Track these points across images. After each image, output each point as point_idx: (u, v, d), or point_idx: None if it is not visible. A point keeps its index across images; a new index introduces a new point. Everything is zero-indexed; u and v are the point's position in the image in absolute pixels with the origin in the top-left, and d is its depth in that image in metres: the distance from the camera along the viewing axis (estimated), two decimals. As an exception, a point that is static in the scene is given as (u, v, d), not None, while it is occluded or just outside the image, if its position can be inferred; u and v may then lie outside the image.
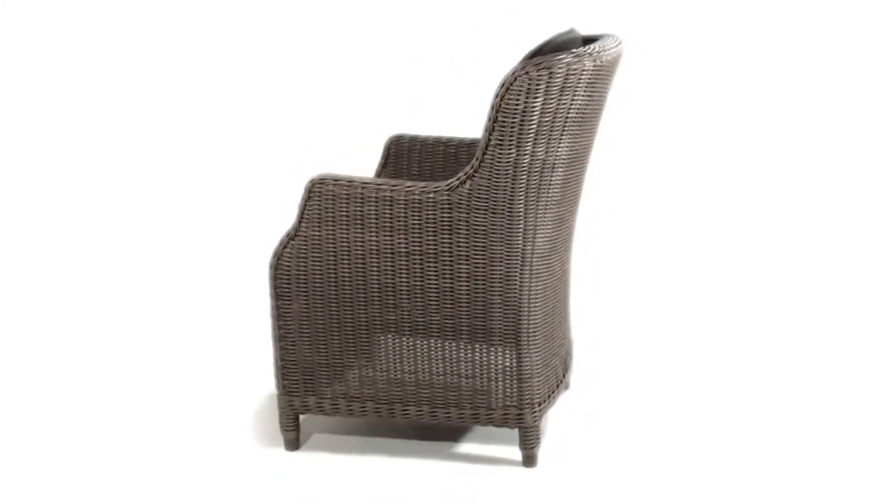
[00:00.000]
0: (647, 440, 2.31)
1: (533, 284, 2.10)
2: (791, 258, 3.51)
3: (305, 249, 2.15)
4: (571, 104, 2.00)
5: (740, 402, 2.50)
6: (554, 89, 1.94)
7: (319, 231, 2.13)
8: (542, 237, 2.09)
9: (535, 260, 2.09)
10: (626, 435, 2.34)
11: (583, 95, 2.03)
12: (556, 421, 2.41)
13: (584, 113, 2.08)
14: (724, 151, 3.96)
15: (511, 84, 1.94)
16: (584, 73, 1.98)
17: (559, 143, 2.02)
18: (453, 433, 2.35)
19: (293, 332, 2.19)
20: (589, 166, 2.37)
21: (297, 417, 2.26)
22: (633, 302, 3.24)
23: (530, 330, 2.11)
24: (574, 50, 1.99)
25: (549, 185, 2.05)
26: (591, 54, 1.99)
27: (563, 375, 2.35)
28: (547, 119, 1.97)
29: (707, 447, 2.27)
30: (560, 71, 1.93)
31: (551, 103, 1.96)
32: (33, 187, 3.84)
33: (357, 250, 2.12)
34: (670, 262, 3.56)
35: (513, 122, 1.96)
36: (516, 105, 1.95)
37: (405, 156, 2.54)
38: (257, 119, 3.87)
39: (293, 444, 2.29)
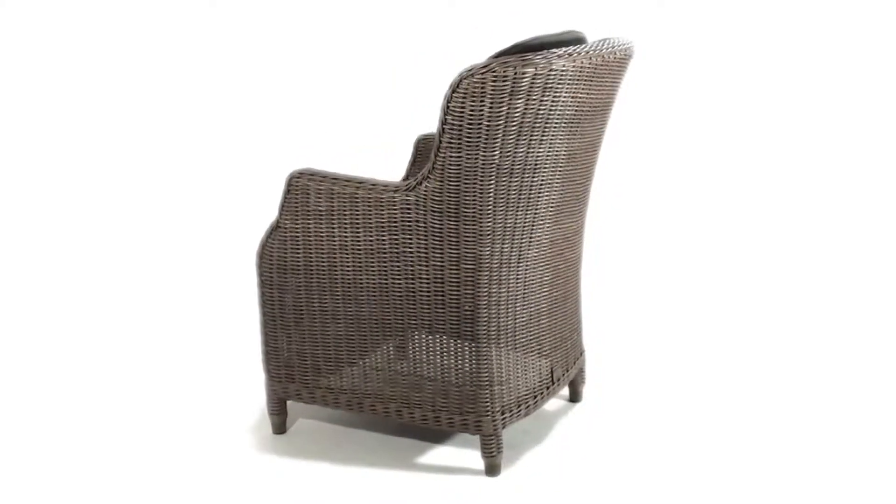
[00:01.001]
0: (635, 465, 2.22)
1: (497, 291, 2.06)
2: (803, 262, 3.54)
3: (285, 241, 2.21)
4: (540, 107, 1.94)
5: (749, 422, 2.36)
6: (502, 93, 1.89)
7: (297, 224, 2.19)
8: (508, 243, 2.05)
9: (498, 266, 2.04)
10: (611, 458, 2.25)
11: (561, 98, 1.96)
12: (544, 432, 2.36)
13: (567, 116, 2.02)
14: (737, 157, 3.99)
15: (456, 86, 1.91)
16: (553, 75, 1.92)
17: (528, 146, 1.97)
18: (437, 433, 2.35)
19: (277, 320, 2.27)
20: (595, 171, 2.29)
21: (284, 403, 2.33)
22: (649, 314, 3.16)
23: (492, 337, 2.07)
24: (539, 53, 1.93)
25: (516, 189, 2.00)
26: (560, 57, 1.93)
27: (555, 384, 2.29)
28: (498, 123, 1.92)
29: (699, 481, 2.15)
30: (507, 74, 1.88)
31: (500, 107, 1.91)
32: (27, 184, 3.96)
33: (328, 245, 2.16)
34: (689, 273, 3.52)
35: (460, 125, 1.93)
36: (462, 108, 1.91)
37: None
38: (290, 117, 4.01)
39: (279, 427, 2.36)
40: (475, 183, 1.97)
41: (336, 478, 2.16)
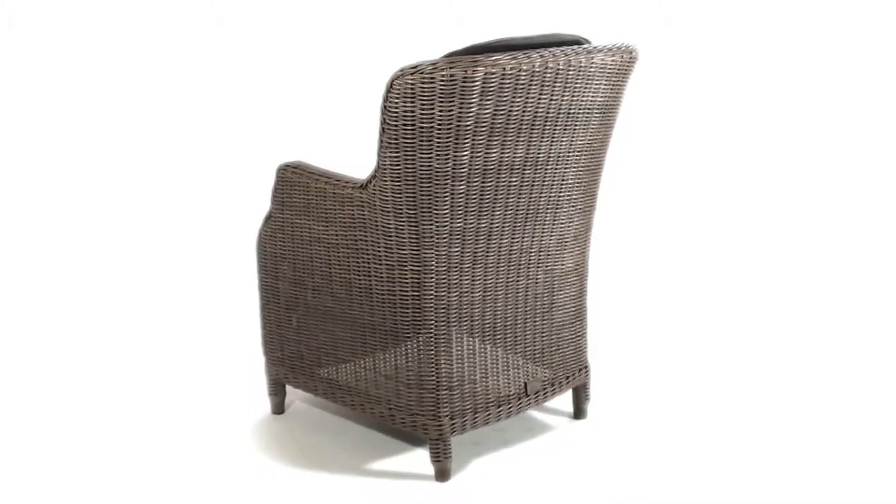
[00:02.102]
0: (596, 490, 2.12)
1: (445, 295, 2.03)
2: (803, 264, 3.56)
3: (275, 230, 2.30)
4: (480, 110, 1.89)
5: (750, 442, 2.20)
6: (430, 95, 1.86)
7: (283, 214, 2.27)
8: (457, 247, 2.01)
9: (447, 270, 2.02)
10: (578, 478, 2.16)
11: (510, 102, 1.91)
12: (521, 442, 2.31)
13: (524, 121, 1.96)
14: (737, 158, 3.99)
15: (390, 86, 1.91)
16: (491, 78, 1.87)
17: (471, 150, 1.93)
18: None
19: (271, 305, 2.36)
20: (597, 182, 2.20)
21: (282, 385, 2.43)
22: (662, 329, 3.04)
23: (441, 341, 2.04)
24: (479, 55, 1.89)
25: (462, 193, 1.96)
26: (502, 60, 1.87)
27: (532, 397, 2.22)
28: (430, 125, 1.89)
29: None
30: (434, 76, 1.85)
31: (430, 109, 1.88)
32: (25, 184, 3.97)
33: (307, 237, 2.22)
34: (699, 284, 3.46)
35: (396, 126, 1.92)
36: (396, 108, 1.90)
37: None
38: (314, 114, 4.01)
39: (277, 407, 2.46)
40: (415, 185, 1.95)
41: (292, 464, 2.23)
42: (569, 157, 2.12)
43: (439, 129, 1.90)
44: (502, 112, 1.93)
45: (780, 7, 4.03)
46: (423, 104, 1.88)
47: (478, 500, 2.06)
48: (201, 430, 2.40)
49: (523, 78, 1.92)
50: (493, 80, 1.88)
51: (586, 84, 2.05)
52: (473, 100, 1.89)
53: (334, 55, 4.10)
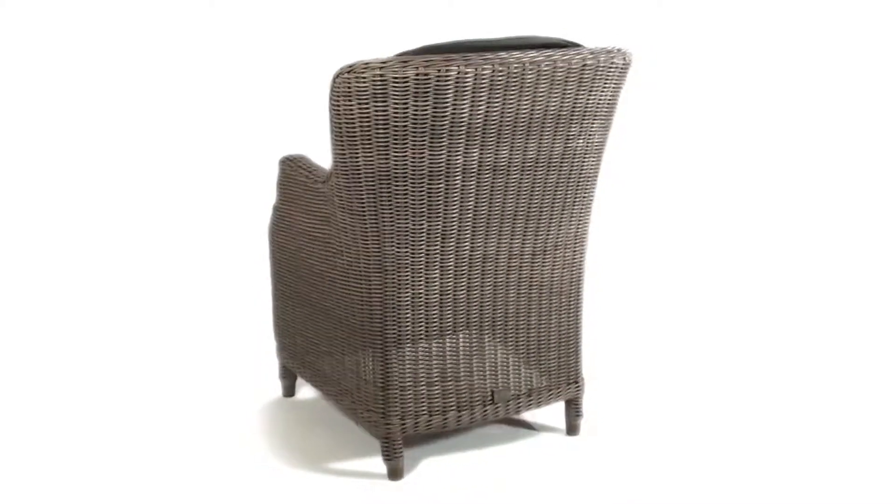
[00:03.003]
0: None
1: (395, 294, 2.03)
2: (801, 274, 3.56)
3: (277, 221, 2.38)
4: (417, 112, 1.88)
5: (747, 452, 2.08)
6: (364, 94, 1.87)
7: (283, 205, 2.34)
8: (407, 248, 2.00)
9: (396, 270, 2.01)
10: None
11: (453, 105, 1.89)
12: (494, 448, 2.28)
13: (473, 125, 1.92)
14: (737, 159, 4.01)
15: (332, 85, 1.93)
16: (422, 80, 1.85)
17: (414, 151, 1.92)
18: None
19: (278, 291, 2.45)
20: (584, 192, 2.13)
21: (291, 369, 2.51)
22: (663, 342, 2.91)
23: (390, 341, 2.04)
24: (415, 56, 1.87)
25: (409, 194, 1.96)
26: (436, 63, 1.85)
27: (499, 406, 2.17)
28: (368, 124, 1.89)
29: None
30: (366, 76, 1.85)
31: (366, 109, 1.88)
32: (25, 183, 3.98)
33: (296, 228, 2.29)
34: (698, 293, 3.43)
35: (339, 124, 1.94)
36: (338, 106, 1.92)
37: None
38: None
39: (287, 390, 2.55)
40: (360, 183, 1.97)
41: (266, 449, 2.31)
42: (542, 162, 2.06)
43: (376, 129, 1.91)
44: (443, 114, 1.91)
45: (779, 7, 4.07)
46: (360, 103, 1.89)
47: (416, 500, 2.05)
48: (209, 412, 2.52)
49: (466, 80, 1.89)
50: (425, 83, 1.87)
51: (536, 91, 1.98)
52: (405, 100, 1.88)
53: (358, 47, 4.09)
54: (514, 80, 1.93)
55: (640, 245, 3.90)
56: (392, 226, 1.99)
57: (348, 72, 1.88)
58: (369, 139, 1.92)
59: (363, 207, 1.99)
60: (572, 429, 2.33)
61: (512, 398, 2.21)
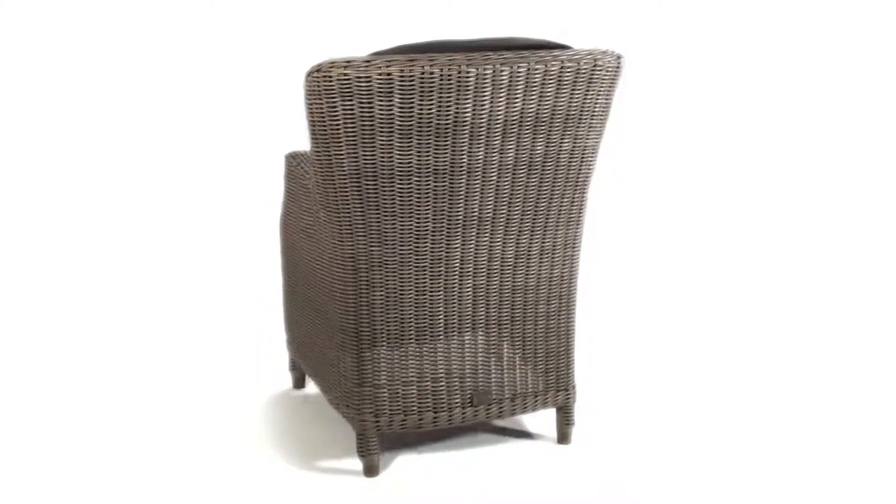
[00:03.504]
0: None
1: (367, 292, 2.04)
2: (791, 274, 3.57)
3: (285, 215, 2.42)
4: (380, 111, 1.88)
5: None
6: (331, 93, 1.88)
7: (288, 201, 2.38)
8: (378, 246, 2.01)
9: (367, 269, 2.02)
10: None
11: (418, 105, 1.88)
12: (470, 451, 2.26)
13: (439, 125, 1.91)
14: (738, 160, 4.00)
15: (305, 83, 1.94)
16: (384, 80, 1.85)
17: (379, 151, 1.92)
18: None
19: (286, 286, 2.49)
20: (572, 195, 2.09)
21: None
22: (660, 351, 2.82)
23: (363, 338, 2.06)
24: (388, 56, 1.87)
25: (378, 193, 1.96)
26: (396, 63, 1.85)
27: (477, 409, 2.15)
28: (336, 122, 1.90)
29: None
30: (332, 74, 1.86)
31: (334, 107, 1.89)
32: (27, 183, 3.94)
33: (297, 223, 2.32)
34: (696, 298, 3.42)
35: (312, 121, 1.95)
36: (310, 104, 1.94)
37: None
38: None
39: (297, 382, 2.60)
40: (334, 180, 1.98)
41: (255, 440, 2.36)
42: (523, 165, 2.03)
43: (345, 128, 1.92)
44: (409, 114, 1.90)
45: (779, 7, 4.06)
46: (327, 101, 1.91)
47: (384, 498, 2.06)
48: (217, 402, 2.57)
49: (431, 80, 1.88)
50: (390, 81, 1.87)
51: (506, 93, 1.95)
52: (369, 100, 1.88)
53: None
54: (485, 80, 1.91)
55: (637, 249, 3.85)
56: (364, 224, 2.00)
57: (317, 71, 1.90)
58: (339, 137, 1.94)
59: (337, 204, 2.00)
60: (563, 437, 2.29)
61: (494, 402, 2.18)
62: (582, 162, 2.10)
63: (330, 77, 1.89)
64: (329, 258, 2.09)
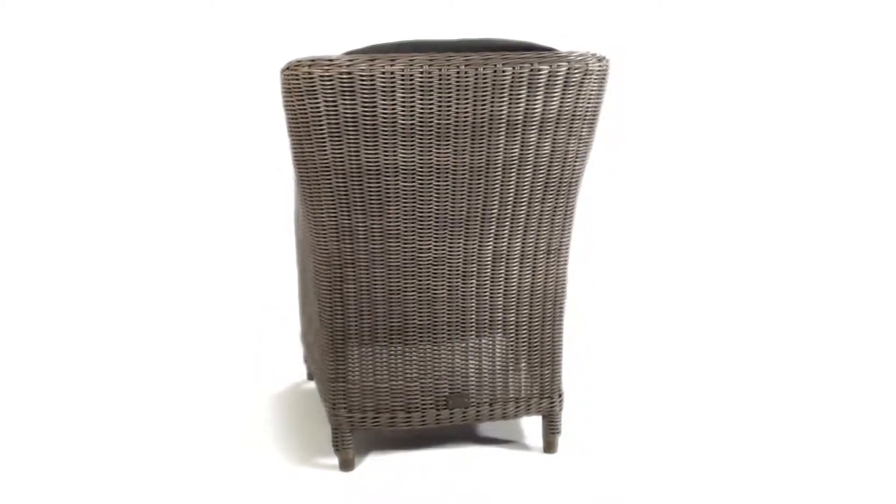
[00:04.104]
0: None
1: (339, 288, 2.06)
2: (783, 278, 3.59)
3: (297, 211, 2.47)
4: (344, 110, 1.90)
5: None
6: (300, 91, 1.90)
7: (297, 196, 2.43)
8: (349, 243, 2.02)
9: (340, 265, 2.04)
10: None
11: (381, 104, 1.89)
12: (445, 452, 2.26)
13: (401, 125, 1.92)
14: (738, 160, 4.00)
15: (280, 81, 1.97)
16: (346, 78, 1.86)
17: (347, 149, 1.94)
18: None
19: (299, 282, 2.54)
20: (548, 199, 2.06)
21: (313, 355, 2.60)
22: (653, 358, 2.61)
23: (336, 333, 2.08)
24: (354, 55, 1.89)
25: (349, 190, 1.98)
26: (360, 62, 1.86)
27: (454, 411, 2.13)
28: (305, 119, 1.93)
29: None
30: (298, 72, 1.89)
31: (302, 105, 1.92)
32: (31, 185, 3.93)
33: (302, 218, 2.36)
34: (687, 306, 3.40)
35: (287, 119, 1.99)
36: (285, 102, 1.97)
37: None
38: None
39: (310, 375, 2.64)
40: (307, 176, 2.01)
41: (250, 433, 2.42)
42: (495, 168, 2.00)
43: (314, 125, 1.95)
44: (371, 113, 1.91)
45: (779, 7, 4.05)
46: (297, 99, 1.94)
47: (353, 493, 2.08)
48: (228, 393, 2.66)
49: (392, 80, 1.88)
50: (351, 80, 1.88)
51: (503, 92, 1.92)
52: (332, 98, 1.90)
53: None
54: (447, 81, 1.90)
55: (632, 254, 3.82)
56: (336, 221, 2.02)
57: (287, 69, 1.94)
58: (309, 134, 1.97)
59: (311, 200, 2.03)
60: (548, 446, 2.25)
61: (470, 406, 2.16)
62: (564, 167, 2.06)
63: (297, 75, 1.92)
64: (311, 254, 2.13)
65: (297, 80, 1.92)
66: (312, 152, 1.98)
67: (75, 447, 2.32)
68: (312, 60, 1.90)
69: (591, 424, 2.40)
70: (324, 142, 1.96)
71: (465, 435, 2.35)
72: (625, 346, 2.99)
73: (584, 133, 2.05)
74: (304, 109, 1.94)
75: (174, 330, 3.16)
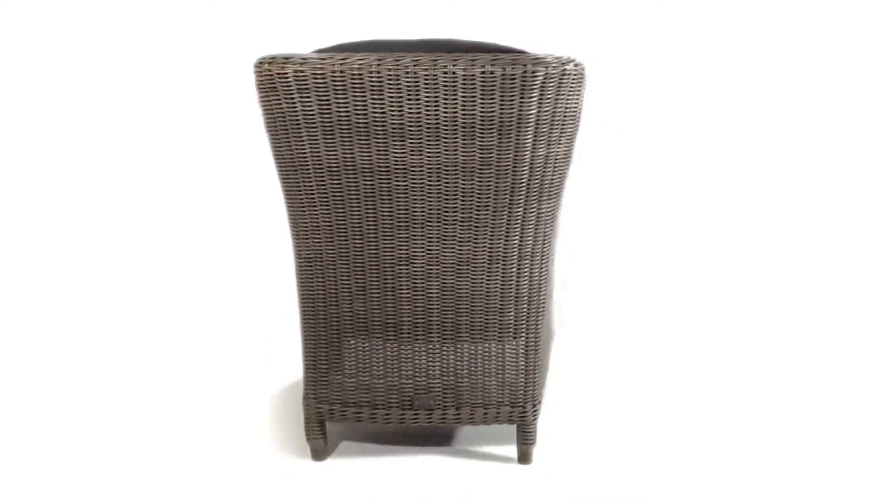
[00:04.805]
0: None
1: (309, 283, 2.10)
2: (780, 264, 3.62)
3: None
4: (304, 108, 1.94)
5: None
6: (265, 88, 1.96)
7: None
8: (319, 241, 2.06)
9: (311, 259, 2.09)
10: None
11: (335, 103, 1.93)
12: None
13: (358, 124, 1.94)
14: (738, 160, 3.96)
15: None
16: (301, 77, 1.91)
17: (309, 146, 1.98)
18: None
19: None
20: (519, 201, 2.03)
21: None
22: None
23: (309, 326, 2.13)
24: (315, 53, 1.93)
25: (315, 188, 2.02)
26: (323, 59, 1.90)
27: (418, 413, 2.13)
28: (272, 116, 1.99)
29: None
30: (262, 69, 1.94)
31: (268, 102, 1.98)
32: (32, 186, 3.83)
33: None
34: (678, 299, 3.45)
35: (264, 114, 2.05)
36: (260, 98, 2.04)
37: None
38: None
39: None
40: (281, 171, 2.07)
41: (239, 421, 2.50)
42: (451, 170, 1.99)
43: (280, 121, 2.01)
44: (327, 111, 1.94)
45: (779, 7, 3.98)
46: (263, 96, 2.01)
47: (309, 481, 2.13)
48: (238, 384, 2.74)
49: (342, 79, 1.91)
50: (304, 78, 1.92)
51: (451, 94, 1.91)
52: (292, 96, 1.96)
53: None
54: (394, 81, 1.91)
55: (621, 256, 3.78)
56: (305, 216, 2.08)
57: (256, 66, 2.01)
58: (276, 130, 2.03)
59: (285, 194, 2.10)
60: (522, 457, 2.20)
61: (436, 409, 2.16)
62: (532, 173, 2.01)
63: (261, 72, 1.99)
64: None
65: (262, 76, 1.99)
66: (281, 147, 2.04)
67: (75, 447, 2.32)
68: (273, 58, 1.96)
69: (573, 436, 2.34)
70: (288, 138, 2.01)
71: (449, 437, 2.34)
72: (616, 356, 2.92)
73: (553, 138, 2.00)
74: (270, 105, 2.01)
75: (173, 330, 3.15)
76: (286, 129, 2.01)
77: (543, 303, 2.14)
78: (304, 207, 2.07)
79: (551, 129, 1.99)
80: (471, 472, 2.17)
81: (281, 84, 1.96)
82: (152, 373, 2.80)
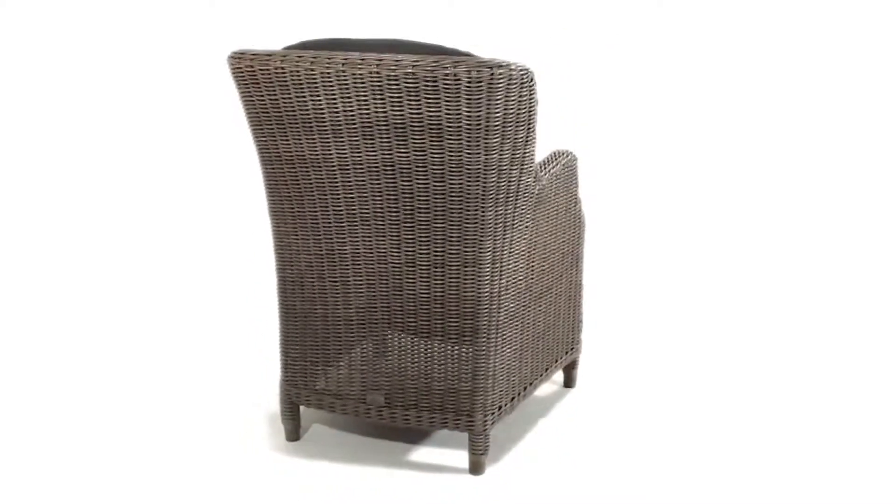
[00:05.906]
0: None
1: (285, 269, 2.19)
2: (792, 262, 3.54)
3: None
4: (269, 102, 2.04)
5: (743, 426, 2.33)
6: (238, 82, 2.07)
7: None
8: (291, 230, 2.15)
9: (298, 256, 2.18)
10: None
11: (286, 99, 2.01)
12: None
13: (306, 119, 2.01)
14: (738, 160, 4.02)
15: (237, 71, 2.16)
16: (268, 74, 2.01)
17: (276, 140, 2.08)
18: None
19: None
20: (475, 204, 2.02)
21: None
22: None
23: (287, 311, 2.22)
24: (287, 50, 2.03)
25: (296, 181, 2.11)
26: (273, 58, 1.99)
27: (381, 410, 2.15)
28: (247, 110, 2.09)
29: None
30: (235, 66, 2.05)
31: (242, 95, 2.08)
32: (33, 187, 3.85)
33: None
34: (688, 278, 3.48)
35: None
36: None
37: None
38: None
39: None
40: (263, 167, 2.18)
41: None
42: (391, 170, 2.00)
43: (249, 115, 2.13)
44: (276, 106, 2.03)
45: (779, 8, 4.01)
46: (239, 90, 2.13)
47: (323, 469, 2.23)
48: (243, 379, 2.78)
49: (279, 77, 1.99)
50: (254, 75, 2.02)
51: (380, 94, 1.93)
52: (250, 90, 2.06)
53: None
54: (329, 80, 1.95)
55: (610, 258, 3.68)
56: (275, 204, 2.18)
57: (229, 60, 2.13)
58: (250, 120, 2.15)
59: (265, 182, 2.21)
60: (473, 467, 2.16)
61: (385, 407, 2.17)
62: (468, 178, 1.97)
63: (231, 67, 2.11)
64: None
65: (233, 70, 2.11)
66: (256, 137, 2.16)
67: (74, 446, 2.33)
68: (241, 53, 2.08)
69: (532, 447, 2.26)
70: (255, 129, 2.13)
71: (423, 434, 2.34)
72: (615, 356, 2.81)
73: (492, 144, 1.95)
74: (241, 98, 2.13)
75: (172, 329, 3.10)
76: (253, 121, 2.13)
77: (497, 310, 2.08)
78: (275, 196, 2.17)
79: (487, 134, 1.94)
80: (417, 479, 2.16)
81: (239, 79, 2.08)
82: (153, 375, 2.76)
